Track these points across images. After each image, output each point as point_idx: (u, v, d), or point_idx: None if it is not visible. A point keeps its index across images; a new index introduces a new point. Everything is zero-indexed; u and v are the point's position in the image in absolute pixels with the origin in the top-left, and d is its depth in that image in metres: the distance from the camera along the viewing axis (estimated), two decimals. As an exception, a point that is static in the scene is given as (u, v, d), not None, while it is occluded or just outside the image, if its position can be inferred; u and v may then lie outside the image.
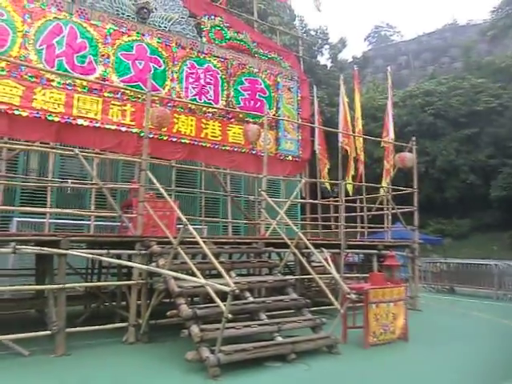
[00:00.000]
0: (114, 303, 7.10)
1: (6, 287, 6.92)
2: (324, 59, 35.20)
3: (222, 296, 5.04)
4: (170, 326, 6.20)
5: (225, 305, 4.80)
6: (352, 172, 12.69)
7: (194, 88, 9.08)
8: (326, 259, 6.80)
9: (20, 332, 5.56)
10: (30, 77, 7.49)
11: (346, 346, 6.08)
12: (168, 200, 6.29)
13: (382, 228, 11.61)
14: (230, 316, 4.73)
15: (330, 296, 6.06)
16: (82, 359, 5.44)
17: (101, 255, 5.90)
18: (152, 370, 5.10)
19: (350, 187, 11.84)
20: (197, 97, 9.10)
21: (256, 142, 9.06)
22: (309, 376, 4.96)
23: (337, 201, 10.00)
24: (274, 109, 10.39)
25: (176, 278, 5.52)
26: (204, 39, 9.55)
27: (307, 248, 7.03)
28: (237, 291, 4.73)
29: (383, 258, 8.43)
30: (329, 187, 14.00)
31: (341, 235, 8.34)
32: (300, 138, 10.79)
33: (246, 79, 10.01)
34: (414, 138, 10.47)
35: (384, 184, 11.93)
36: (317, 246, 7.17)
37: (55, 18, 7.92)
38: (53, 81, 7.66)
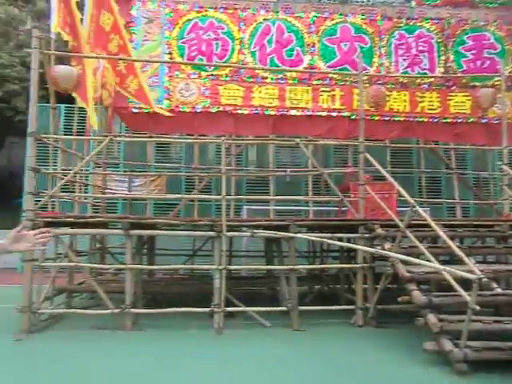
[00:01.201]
0: (337, 286, 7.42)
1: (243, 266, 8.05)
2: None
3: (461, 284, 4.61)
4: (399, 313, 6.08)
5: (469, 294, 4.36)
6: None
7: (404, 60, 8.58)
8: None
9: (258, 306, 6.42)
10: (247, 78, 8.47)
11: None
12: (391, 182, 6.13)
13: None
14: (477, 308, 4.27)
15: None
16: (317, 336, 5.88)
17: (325, 239, 6.22)
18: (385, 356, 5.06)
19: None
20: (409, 69, 8.56)
21: (489, 108, 7.88)
22: None
23: None
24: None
25: (404, 263, 5.33)
26: (413, 3, 8.86)
27: None
28: (485, 279, 4.23)
29: None
30: None
31: None
32: (554, 95, 8.85)
33: (468, 37, 8.81)
34: None
35: None
36: None
37: (264, 19, 8.70)
38: (266, 78, 8.47)
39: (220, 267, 6.19)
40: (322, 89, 8.43)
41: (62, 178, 7.15)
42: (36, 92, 6.53)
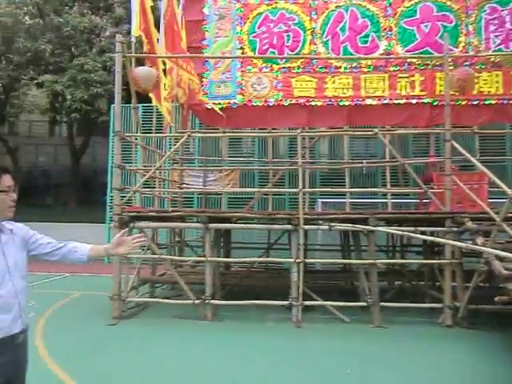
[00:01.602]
0: (420, 282, 7.07)
1: (321, 260, 7.92)
2: None
3: None
4: (492, 313, 5.65)
5: None
6: None
7: (497, 36, 7.81)
8: None
9: (335, 301, 6.30)
10: (320, 68, 8.27)
11: None
12: (482, 171, 5.67)
13: None
14: None
15: None
16: (402, 334, 5.66)
17: (409, 232, 5.92)
18: (484, 358, 4.73)
19: None
20: (502, 46, 7.76)
21: None
22: None
23: None
24: None
25: (501, 259, 4.91)
26: (507, -28, 8.06)
27: None
28: None
29: None
30: None
31: None
32: None
33: None
34: None
35: None
36: None
37: (336, 6, 8.43)
38: (340, 67, 8.21)
39: (298, 260, 6.17)
40: (400, 75, 8.00)
41: (144, 175, 7.53)
42: (119, 93, 6.92)
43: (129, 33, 13.33)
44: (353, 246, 7.24)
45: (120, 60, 6.92)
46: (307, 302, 6.22)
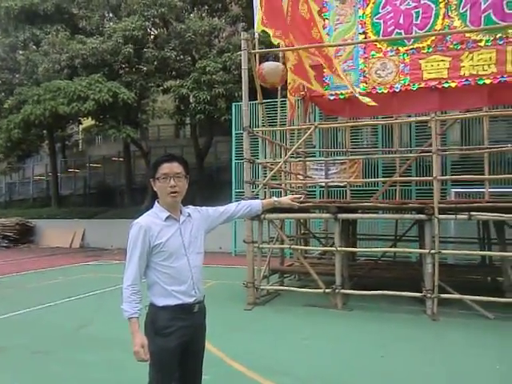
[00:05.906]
0: None
1: (455, 251, 7.70)
2: None
3: None
4: None
5: None
6: None
7: None
8: None
9: (472, 295, 6.12)
10: (455, 45, 7.77)
11: None
12: None
13: None
14: None
15: None
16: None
17: None
18: None
19: None
20: None
21: None
22: None
23: None
24: None
25: None
26: None
27: None
28: None
29: None
30: None
31: None
32: None
33: None
34: None
35: None
36: None
37: (478, -31, 7.83)
38: (480, 41, 7.54)
39: (432, 251, 6.16)
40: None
41: (271, 169, 8.10)
42: (247, 91, 7.53)
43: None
44: (495, 239, 6.91)
45: (246, 57, 7.45)
46: (444, 295, 6.18)
